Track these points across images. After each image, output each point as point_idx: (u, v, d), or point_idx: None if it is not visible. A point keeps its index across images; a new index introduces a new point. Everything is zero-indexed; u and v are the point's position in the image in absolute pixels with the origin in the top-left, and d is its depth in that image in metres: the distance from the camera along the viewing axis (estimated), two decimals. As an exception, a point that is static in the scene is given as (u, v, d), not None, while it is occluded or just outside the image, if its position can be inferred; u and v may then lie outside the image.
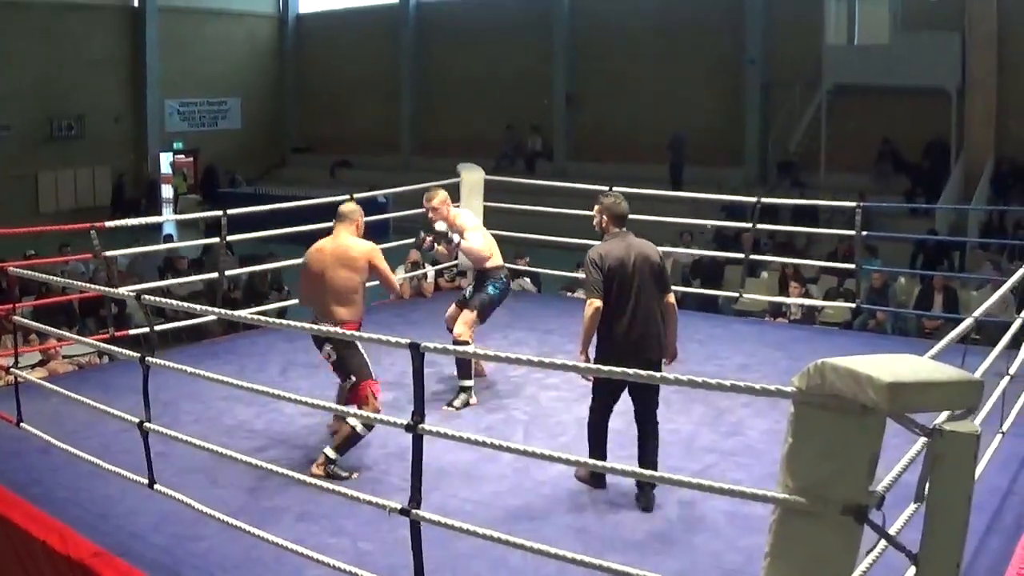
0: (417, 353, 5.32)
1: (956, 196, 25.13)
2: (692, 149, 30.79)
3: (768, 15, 30.98)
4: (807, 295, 16.46)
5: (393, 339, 5.67)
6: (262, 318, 7.10)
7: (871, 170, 27.85)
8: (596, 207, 8.01)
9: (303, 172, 39.83)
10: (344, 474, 7.94)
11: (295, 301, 14.15)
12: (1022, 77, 25.95)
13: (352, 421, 7.79)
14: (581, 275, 14.16)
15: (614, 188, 11.91)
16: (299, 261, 10.21)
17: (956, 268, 21.85)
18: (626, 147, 32.66)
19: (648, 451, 7.60)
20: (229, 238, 11.90)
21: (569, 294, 16.59)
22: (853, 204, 12.78)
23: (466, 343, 9.63)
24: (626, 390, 7.64)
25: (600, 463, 6.00)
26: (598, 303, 7.53)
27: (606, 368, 5.23)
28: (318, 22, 42.64)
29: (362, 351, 8.10)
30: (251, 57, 42.20)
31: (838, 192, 23.48)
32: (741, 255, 13.58)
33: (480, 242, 10.06)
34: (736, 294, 13.72)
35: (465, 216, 10.43)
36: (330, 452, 7.96)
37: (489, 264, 10.09)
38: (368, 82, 40.04)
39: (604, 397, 7.70)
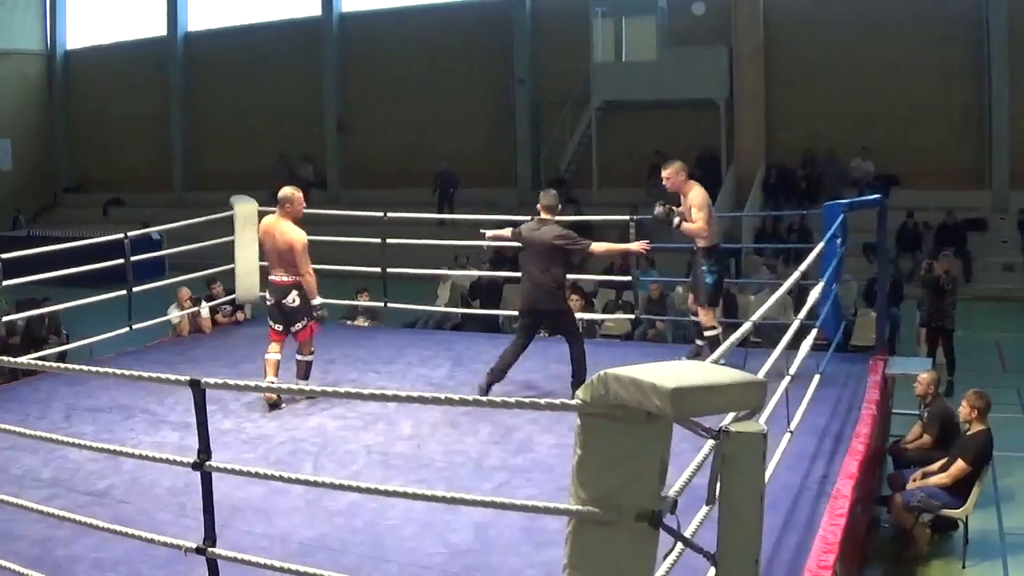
0: (198, 389, 5.27)
1: (728, 204, 25.91)
2: (464, 171, 31.16)
3: (536, 35, 31.51)
4: (586, 309, 16.62)
5: (173, 376, 5.58)
6: (43, 363, 6.91)
7: (644, 183, 28.37)
8: None
9: (76, 212, 38.50)
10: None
11: (75, 344, 13.92)
12: (789, 87, 27.08)
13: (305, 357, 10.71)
14: (359, 302, 14.52)
15: (388, 214, 11.84)
16: (76, 303, 10.23)
17: (732, 274, 22.40)
18: (399, 172, 32.78)
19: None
20: (4, 283, 11.57)
21: (349, 322, 16.25)
22: (626, 218, 13.00)
23: (714, 327, 11.51)
24: None
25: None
26: None
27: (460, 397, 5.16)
28: (86, 58, 41.17)
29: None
30: (20, 95, 40.45)
31: (611, 207, 23.82)
32: (519, 274, 13.60)
33: (697, 225, 11.44)
34: (516, 313, 13.73)
35: (695, 192, 11.71)
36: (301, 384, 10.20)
37: (701, 244, 11.58)
38: (138, 118, 38.96)
39: None
